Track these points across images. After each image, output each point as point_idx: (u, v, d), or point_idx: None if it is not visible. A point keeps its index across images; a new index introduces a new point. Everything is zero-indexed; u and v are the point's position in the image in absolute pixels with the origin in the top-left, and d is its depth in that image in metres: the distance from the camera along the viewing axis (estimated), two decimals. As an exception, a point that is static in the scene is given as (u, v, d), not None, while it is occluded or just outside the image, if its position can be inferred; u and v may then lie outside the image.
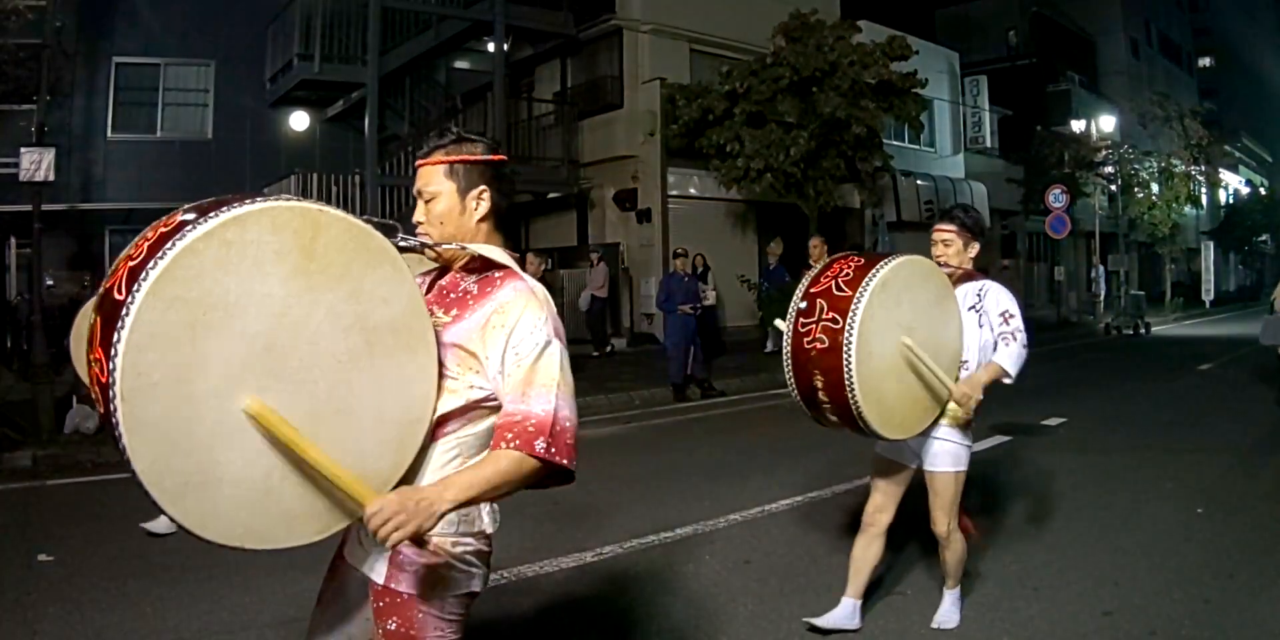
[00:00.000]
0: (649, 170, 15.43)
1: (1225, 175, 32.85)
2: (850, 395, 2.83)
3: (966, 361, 3.32)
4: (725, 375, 11.17)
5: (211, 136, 15.60)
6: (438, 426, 1.75)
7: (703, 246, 13.55)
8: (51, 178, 9.38)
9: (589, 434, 8.07)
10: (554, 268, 14.83)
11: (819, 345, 2.88)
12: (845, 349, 2.82)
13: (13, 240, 14.88)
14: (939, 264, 3.32)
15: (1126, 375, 12.47)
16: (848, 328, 2.83)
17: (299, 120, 15.99)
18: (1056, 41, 31.73)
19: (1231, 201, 39.17)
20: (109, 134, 15.21)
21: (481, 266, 1.84)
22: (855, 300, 2.85)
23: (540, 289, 1.77)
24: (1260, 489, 5.90)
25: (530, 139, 15.58)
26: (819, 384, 2.91)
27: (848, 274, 2.95)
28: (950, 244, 3.40)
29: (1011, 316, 3.32)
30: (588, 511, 5.40)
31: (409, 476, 1.73)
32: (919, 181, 20.13)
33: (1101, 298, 22.95)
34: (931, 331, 3.10)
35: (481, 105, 15.21)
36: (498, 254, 1.80)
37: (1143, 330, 19.76)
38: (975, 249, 3.44)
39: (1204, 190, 30.10)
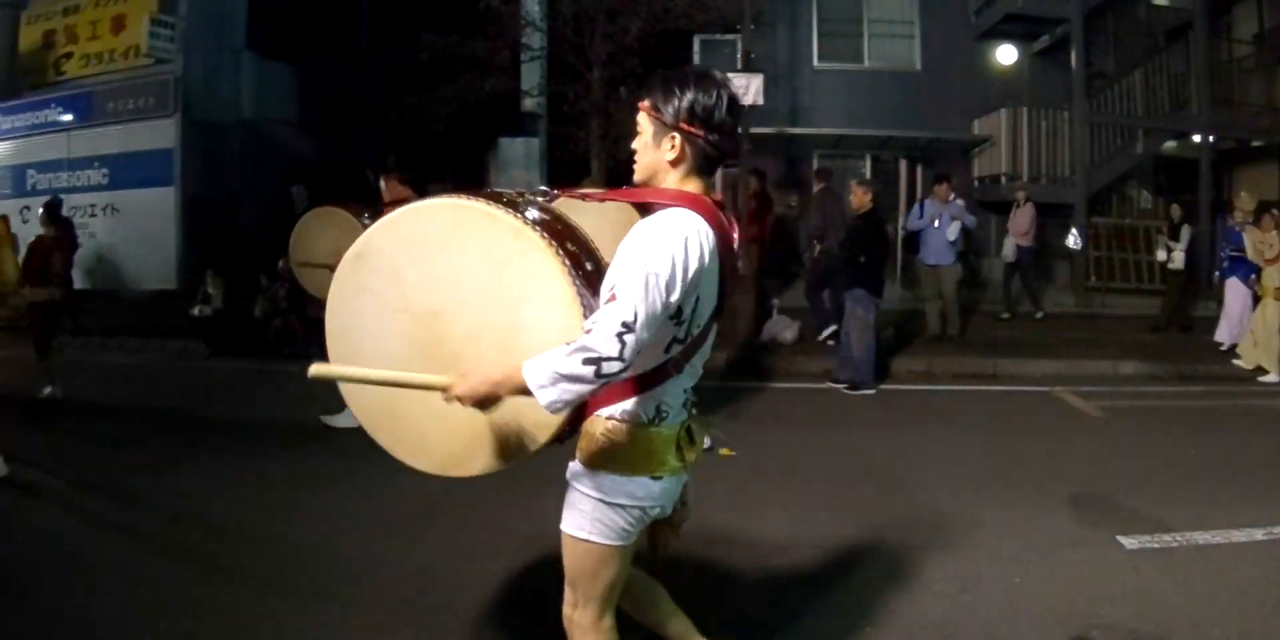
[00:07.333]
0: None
1: None
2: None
3: None
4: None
5: (920, 67, 16.42)
6: None
7: None
8: (760, 102, 9.84)
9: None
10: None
11: None
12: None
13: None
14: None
15: None
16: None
17: (1006, 54, 15.76)
18: None
19: None
20: (815, 63, 16.63)
21: None
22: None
23: None
24: None
25: (1231, 81, 15.14)
26: None
27: None
28: (642, 132, 2.04)
29: (616, 296, 1.80)
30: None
31: None
32: None
33: None
34: (484, 315, 2.07)
35: (1182, 43, 15.03)
36: None
37: None
38: (673, 147, 1.98)
39: None
